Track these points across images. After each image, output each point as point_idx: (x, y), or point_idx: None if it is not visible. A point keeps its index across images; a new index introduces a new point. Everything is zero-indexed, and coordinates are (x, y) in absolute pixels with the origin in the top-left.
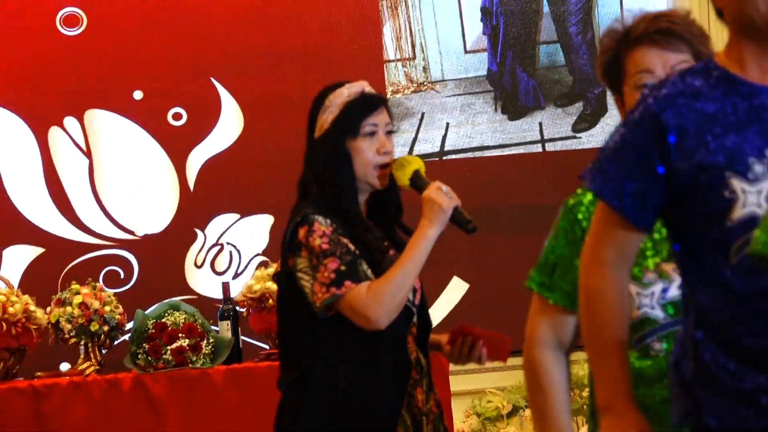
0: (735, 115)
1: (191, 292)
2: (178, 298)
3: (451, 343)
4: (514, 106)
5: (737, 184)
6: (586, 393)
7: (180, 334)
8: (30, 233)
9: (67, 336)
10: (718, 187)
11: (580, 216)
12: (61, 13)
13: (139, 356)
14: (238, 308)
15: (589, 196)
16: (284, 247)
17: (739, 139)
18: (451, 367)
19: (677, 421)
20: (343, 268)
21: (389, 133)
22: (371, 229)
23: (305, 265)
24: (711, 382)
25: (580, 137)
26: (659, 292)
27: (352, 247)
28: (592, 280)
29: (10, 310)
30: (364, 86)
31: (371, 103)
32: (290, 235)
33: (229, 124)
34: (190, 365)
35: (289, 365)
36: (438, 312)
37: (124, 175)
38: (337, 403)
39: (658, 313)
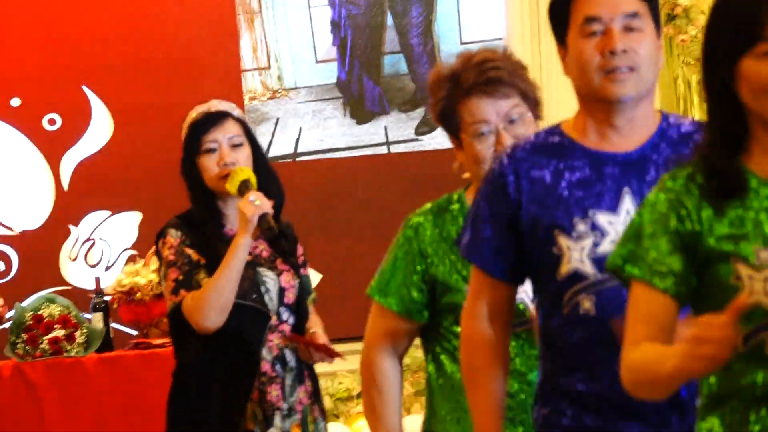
0: (568, 178)
1: (66, 284)
2: (54, 290)
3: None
4: (361, 111)
5: (563, 241)
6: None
7: (56, 325)
8: None
9: None
10: (548, 243)
11: (419, 231)
12: None
13: (18, 346)
14: (108, 300)
15: (418, 217)
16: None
17: (567, 200)
18: None
19: None
20: (180, 278)
21: (236, 145)
22: (225, 238)
23: (162, 273)
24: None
25: (421, 140)
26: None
27: (195, 257)
28: (468, 331)
29: None
30: (211, 105)
31: (210, 121)
32: (156, 245)
33: (101, 129)
34: (66, 354)
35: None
36: None
37: (2, 176)
38: (185, 394)
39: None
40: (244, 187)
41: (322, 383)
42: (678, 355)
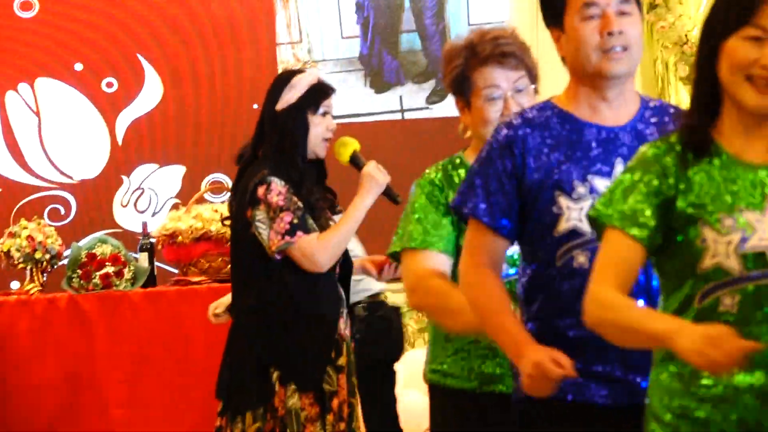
0: (567, 145)
1: (118, 227)
2: (106, 232)
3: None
4: (380, 82)
5: (564, 201)
6: None
7: (107, 263)
8: None
9: (16, 262)
10: (549, 203)
11: (434, 183)
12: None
13: (74, 280)
14: (154, 242)
15: (430, 174)
16: (244, 200)
17: (568, 165)
18: None
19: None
20: (296, 221)
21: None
22: (315, 190)
23: (263, 217)
24: None
25: (432, 108)
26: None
27: (301, 204)
28: (474, 278)
29: None
30: (319, 74)
31: (329, 89)
32: (251, 191)
33: (152, 92)
34: (115, 288)
35: (245, 291)
36: None
37: (64, 132)
38: (284, 325)
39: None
40: (356, 157)
41: None
42: (676, 330)
